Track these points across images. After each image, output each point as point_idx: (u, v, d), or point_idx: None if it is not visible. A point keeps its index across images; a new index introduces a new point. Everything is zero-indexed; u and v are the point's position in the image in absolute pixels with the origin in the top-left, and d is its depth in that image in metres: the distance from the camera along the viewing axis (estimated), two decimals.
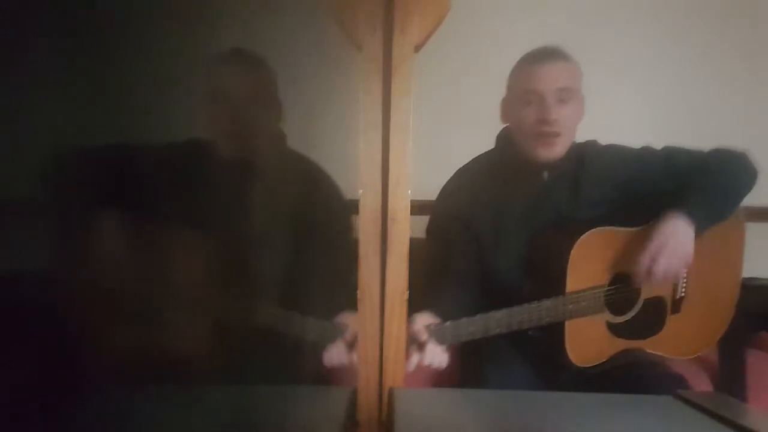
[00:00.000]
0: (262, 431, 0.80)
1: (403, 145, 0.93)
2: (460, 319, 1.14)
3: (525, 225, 1.32)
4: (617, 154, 1.35)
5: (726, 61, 2.08)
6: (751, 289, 1.67)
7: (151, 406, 0.87)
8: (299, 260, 1.32)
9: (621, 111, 2.03)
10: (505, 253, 1.32)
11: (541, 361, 1.31)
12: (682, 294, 1.38)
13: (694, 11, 2.06)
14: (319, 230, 1.32)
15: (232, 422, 0.81)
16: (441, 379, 1.32)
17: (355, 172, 0.94)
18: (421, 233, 1.45)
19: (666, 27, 2.07)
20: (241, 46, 1.33)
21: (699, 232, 1.22)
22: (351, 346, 1.14)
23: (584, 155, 1.33)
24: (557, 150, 1.25)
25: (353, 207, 0.99)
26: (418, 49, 0.94)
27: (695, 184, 1.25)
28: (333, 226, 1.34)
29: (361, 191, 0.94)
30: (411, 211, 0.94)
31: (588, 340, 1.28)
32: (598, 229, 1.26)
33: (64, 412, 0.83)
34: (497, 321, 1.16)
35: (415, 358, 1.10)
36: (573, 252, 1.22)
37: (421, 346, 1.10)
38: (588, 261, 1.25)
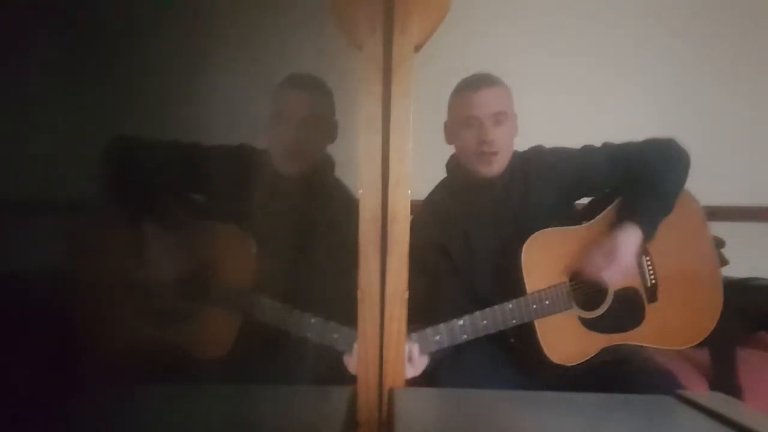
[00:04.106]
0: (262, 431, 0.80)
1: (403, 145, 0.93)
2: (425, 330, 1.20)
3: (489, 240, 1.40)
4: (561, 155, 1.44)
5: (727, 62, 2.08)
6: (751, 289, 1.67)
7: (151, 405, 0.86)
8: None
9: (622, 110, 2.04)
10: (480, 270, 1.40)
11: (526, 367, 1.33)
12: (653, 281, 1.38)
13: (698, 11, 2.07)
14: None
15: (231, 422, 0.81)
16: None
17: (355, 172, 0.94)
18: None
19: (668, 27, 2.07)
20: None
21: (648, 239, 1.33)
22: None
23: (529, 162, 1.43)
24: (495, 167, 1.37)
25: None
26: (418, 49, 0.94)
27: (641, 189, 1.35)
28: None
29: (361, 191, 0.94)
30: (411, 211, 0.94)
31: (565, 338, 1.31)
32: (544, 230, 1.34)
33: (65, 411, 0.83)
34: (461, 328, 1.22)
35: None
36: (524, 254, 1.30)
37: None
38: (542, 261, 1.32)
